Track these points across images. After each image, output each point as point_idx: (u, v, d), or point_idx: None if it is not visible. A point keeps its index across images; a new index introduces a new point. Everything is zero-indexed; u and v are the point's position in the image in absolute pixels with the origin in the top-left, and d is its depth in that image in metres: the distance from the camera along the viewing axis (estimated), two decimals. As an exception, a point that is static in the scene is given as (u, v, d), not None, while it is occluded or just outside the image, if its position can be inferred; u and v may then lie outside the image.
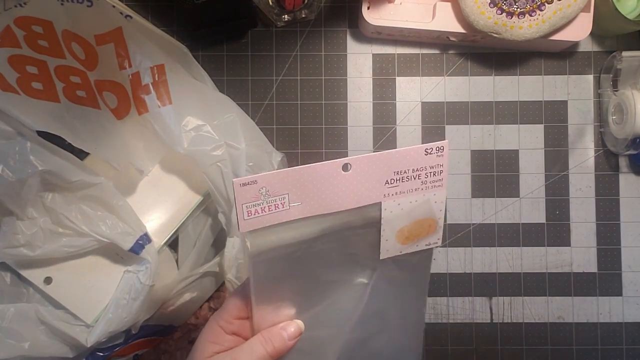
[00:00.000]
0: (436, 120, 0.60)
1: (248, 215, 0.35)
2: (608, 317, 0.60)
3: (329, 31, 0.60)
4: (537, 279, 0.60)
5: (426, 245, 0.41)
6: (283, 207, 0.36)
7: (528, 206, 0.60)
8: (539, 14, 0.53)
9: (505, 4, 0.53)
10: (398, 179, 0.39)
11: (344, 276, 0.42)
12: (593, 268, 0.60)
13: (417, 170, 0.39)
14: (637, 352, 0.60)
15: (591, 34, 0.56)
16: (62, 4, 0.49)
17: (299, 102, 0.60)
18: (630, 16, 0.56)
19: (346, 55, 0.60)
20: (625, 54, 0.57)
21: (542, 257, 0.60)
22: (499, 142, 0.60)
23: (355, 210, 0.39)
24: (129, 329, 0.50)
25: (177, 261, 0.56)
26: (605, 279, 0.60)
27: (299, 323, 0.36)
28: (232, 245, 0.51)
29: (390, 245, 0.41)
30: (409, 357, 0.46)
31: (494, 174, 0.60)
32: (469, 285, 0.60)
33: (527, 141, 0.60)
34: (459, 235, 0.60)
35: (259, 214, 0.35)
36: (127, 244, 0.49)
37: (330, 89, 0.60)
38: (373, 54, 0.60)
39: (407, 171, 0.39)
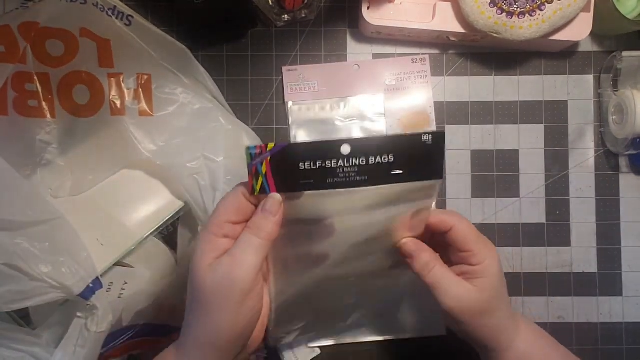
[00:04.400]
0: (436, 120, 0.60)
1: (291, 91, 0.57)
2: (608, 317, 0.60)
3: (329, 31, 0.60)
4: (537, 279, 0.60)
5: (423, 133, 0.45)
6: (314, 89, 0.57)
7: (528, 206, 0.60)
8: (539, 14, 0.53)
9: (505, 3, 0.53)
10: (394, 78, 0.58)
11: None
12: (593, 268, 0.60)
13: (408, 73, 0.58)
14: (638, 352, 0.60)
15: (591, 34, 0.56)
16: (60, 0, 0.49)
17: (299, 102, 0.59)
18: (630, 16, 0.56)
19: (346, 55, 0.60)
20: (625, 53, 0.57)
21: (542, 257, 0.60)
22: (499, 142, 0.60)
23: None
24: (122, 328, 0.49)
25: (176, 261, 0.56)
26: (606, 279, 0.60)
27: (275, 195, 0.36)
28: None
29: (394, 130, 0.57)
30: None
31: (494, 174, 0.60)
32: (469, 285, 0.59)
33: (527, 141, 0.60)
34: (459, 235, 0.60)
35: (298, 91, 0.57)
36: (77, 288, 0.44)
37: (330, 89, 0.60)
38: (373, 54, 0.60)
39: (400, 73, 0.58)
